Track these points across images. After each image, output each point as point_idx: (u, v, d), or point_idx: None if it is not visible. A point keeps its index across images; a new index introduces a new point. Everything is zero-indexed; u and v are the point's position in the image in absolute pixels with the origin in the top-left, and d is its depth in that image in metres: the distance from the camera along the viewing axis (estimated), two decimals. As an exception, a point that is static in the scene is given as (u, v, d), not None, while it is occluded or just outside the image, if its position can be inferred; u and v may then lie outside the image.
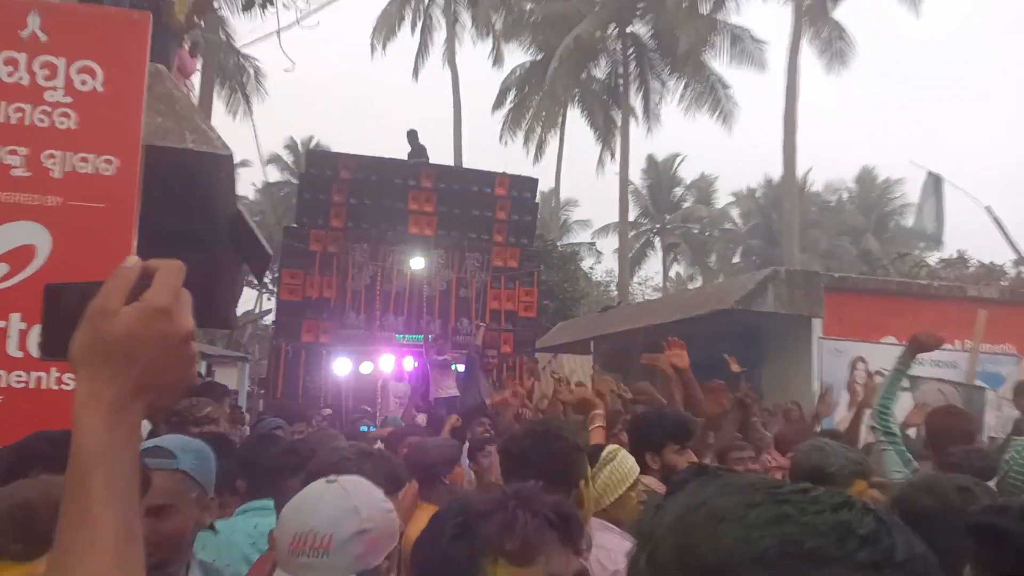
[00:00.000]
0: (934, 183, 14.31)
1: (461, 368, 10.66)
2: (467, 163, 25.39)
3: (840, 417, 7.22)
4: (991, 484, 2.43)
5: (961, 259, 15.72)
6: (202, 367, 14.02)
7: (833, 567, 0.62)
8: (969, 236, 16.96)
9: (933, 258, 23.67)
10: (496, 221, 13.03)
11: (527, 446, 2.35)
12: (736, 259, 40.12)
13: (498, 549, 1.23)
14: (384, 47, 30.52)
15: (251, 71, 25.19)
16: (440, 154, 18.56)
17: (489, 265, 12.86)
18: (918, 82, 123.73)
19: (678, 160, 40.64)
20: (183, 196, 5.49)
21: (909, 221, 32.12)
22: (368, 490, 1.60)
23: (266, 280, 22.34)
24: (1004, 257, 15.31)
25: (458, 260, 12.74)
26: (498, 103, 30.51)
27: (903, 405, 4.08)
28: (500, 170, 13.61)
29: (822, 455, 2.66)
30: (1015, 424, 5.30)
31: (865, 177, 39.23)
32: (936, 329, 4.06)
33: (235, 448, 3.87)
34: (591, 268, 34.27)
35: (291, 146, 39.15)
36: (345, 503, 1.53)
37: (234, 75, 24.85)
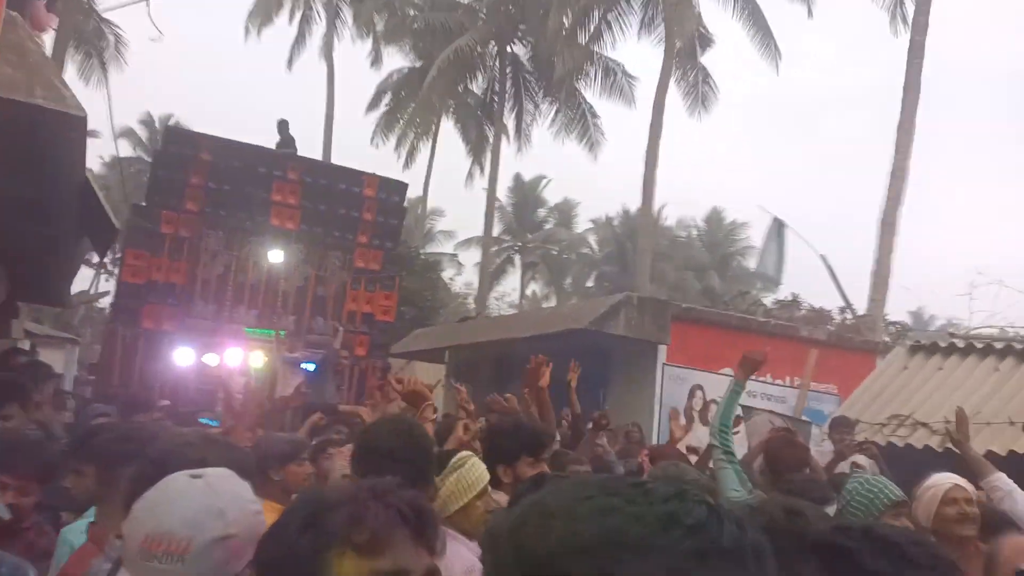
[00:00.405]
0: (777, 228, 15.40)
1: (311, 367, 10.40)
2: (336, 160, 24.85)
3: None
4: (829, 511, 2.62)
5: (794, 301, 16.89)
6: (27, 346, 12.94)
7: (656, 555, 0.63)
8: (803, 279, 18.25)
9: (769, 299, 25.28)
10: (362, 221, 12.77)
11: (395, 444, 2.30)
12: (590, 283, 41.40)
13: (346, 541, 1.17)
14: (259, 32, 29.67)
15: (111, 38, 23.70)
16: (309, 148, 18.07)
17: (351, 265, 12.59)
18: (779, 129, 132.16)
19: (544, 182, 41.65)
20: (24, 156, 5.08)
21: (751, 262, 34.28)
22: (236, 488, 1.44)
23: (106, 260, 20.92)
24: (832, 303, 16.61)
25: (319, 257, 12.39)
26: (373, 104, 30.25)
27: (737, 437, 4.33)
28: (370, 170, 13.43)
29: (678, 472, 2.82)
30: (836, 454, 5.75)
31: (714, 217, 41.48)
32: (769, 364, 4.38)
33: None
34: (451, 279, 34.49)
35: (147, 121, 37.06)
36: (209, 502, 1.36)
37: (91, 40, 23.32)
